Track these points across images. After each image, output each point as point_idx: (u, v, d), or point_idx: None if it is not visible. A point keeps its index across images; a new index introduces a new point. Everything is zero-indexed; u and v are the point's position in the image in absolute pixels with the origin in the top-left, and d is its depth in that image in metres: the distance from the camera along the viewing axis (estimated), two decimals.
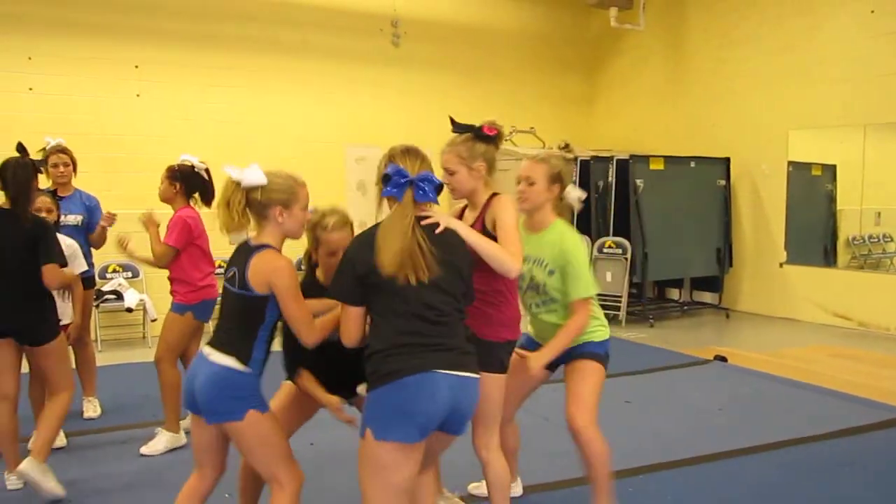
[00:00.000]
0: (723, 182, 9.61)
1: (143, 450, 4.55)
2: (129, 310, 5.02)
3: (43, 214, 4.34)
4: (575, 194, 3.39)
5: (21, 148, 4.09)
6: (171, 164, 4.68)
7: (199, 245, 4.57)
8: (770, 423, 5.19)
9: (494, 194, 3.01)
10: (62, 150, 5.19)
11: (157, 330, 6.08)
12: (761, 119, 9.36)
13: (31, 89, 7.95)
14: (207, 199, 4.64)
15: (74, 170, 5.25)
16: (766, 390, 6.05)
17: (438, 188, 2.66)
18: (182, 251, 4.51)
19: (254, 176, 2.70)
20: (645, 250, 8.92)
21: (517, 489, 3.83)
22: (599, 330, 3.40)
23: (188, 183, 4.62)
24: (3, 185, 3.93)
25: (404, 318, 2.53)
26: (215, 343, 2.78)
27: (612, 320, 8.97)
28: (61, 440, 4.60)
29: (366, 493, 2.54)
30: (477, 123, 3.02)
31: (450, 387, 2.50)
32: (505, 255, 2.81)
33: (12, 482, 4.02)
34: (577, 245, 3.26)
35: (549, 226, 3.32)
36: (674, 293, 10.30)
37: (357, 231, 2.84)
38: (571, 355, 3.36)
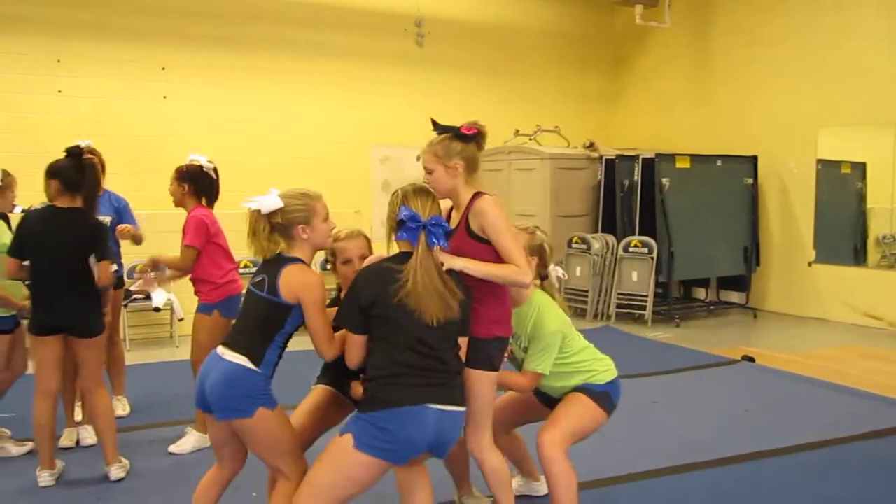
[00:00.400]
0: (750, 180, 9.51)
1: (172, 448, 4.59)
2: (157, 309, 5.05)
3: None
4: (556, 273, 3.49)
5: (76, 150, 4.19)
6: (180, 164, 4.70)
7: (217, 243, 4.59)
8: (798, 424, 5.14)
9: (477, 193, 3.02)
10: (91, 151, 5.22)
11: (184, 329, 6.16)
12: (789, 117, 9.26)
13: (60, 92, 8.07)
14: (211, 199, 4.68)
15: (103, 171, 5.29)
16: (795, 391, 5.99)
17: (448, 234, 2.83)
18: (201, 250, 4.54)
19: (270, 202, 2.87)
20: (671, 249, 8.86)
21: (542, 488, 3.81)
22: (599, 374, 3.37)
23: (197, 183, 4.63)
24: (73, 185, 4.07)
25: (400, 349, 2.71)
26: (230, 343, 2.89)
27: (638, 320, 8.94)
28: (92, 437, 4.66)
29: (313, 481, 2.72)
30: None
31: (436, 420, 2.69)
32: (515, 275, 2.91)
33: (45, 479, 4.08)
34: (551, 323, 3.26)
35: (526, 299, 3.33)
36: (700, 293, 10.21)
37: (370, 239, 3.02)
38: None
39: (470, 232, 2.96)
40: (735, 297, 9.89)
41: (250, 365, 2.80)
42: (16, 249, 4.04)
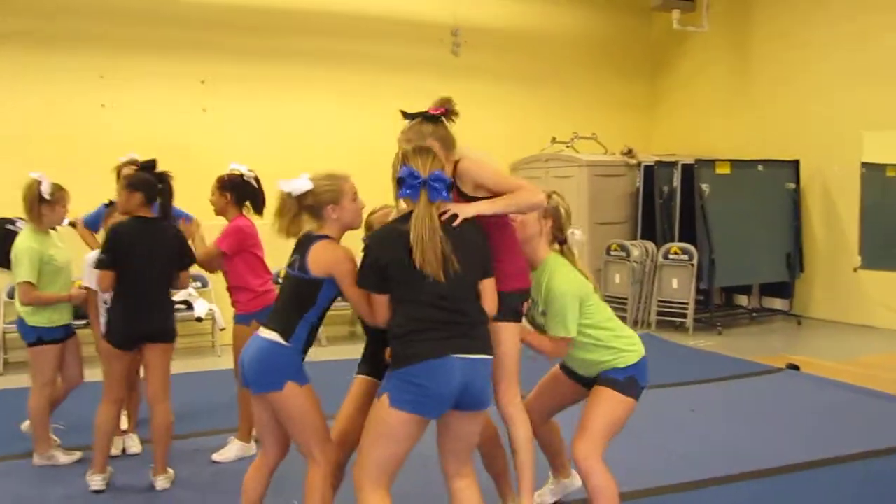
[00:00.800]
0: (792, 185, 9.35)
1: (215, 457, 4.64)
2: (199, 319, 5.16)
3: None
4: (575, 237, 3.50)
5: (152, 163, 4.37)
6: (221, 174, 4.76)
7: (254, 253, 4.65)
8: (845, 434, 5.03)
9: (457, 162, 3.09)
10: (134, 162, 5.35)
11: (225, 339, 6.23)
12: (832, 120, 9.10)
13: (103, 106, 8.23)
14: (258, 207, 4.74)
15: None
16: (841, 400, 5.87)
17: (449, 186, 2.87)
18: (238, 259, 4.59)
19: (300, 184, 3.03)
20: (711, 256, 8.74)
21: (575, 482, 3.77)
22: (621, 356, 3.31)
23: (238, 192, 4.69)
24: (154, 196, 4.26)
25: (421, 306, 2.78)
26: (267, 322, 3.10)
27: (679, 328, 8.83)
28: (137, 447, 4.74)
29: (365, 451, 2.82)
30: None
31: (462, 369, 2.74)
32: (527, 197, 3.02)
33: (97, 482, 4.16)
34: (561, 284, 3.27)
35: (539, 264, 3.36)
36: (742, 300, 10.06)
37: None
38: (594, 381, 3.35)
39: (467, 198, 3.02)
40: (778, 303, 9.72)
41: (281, 340, 2.98)
42: (109, 262, 4.11)
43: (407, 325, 2.79)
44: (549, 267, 3.33)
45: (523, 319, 3.33)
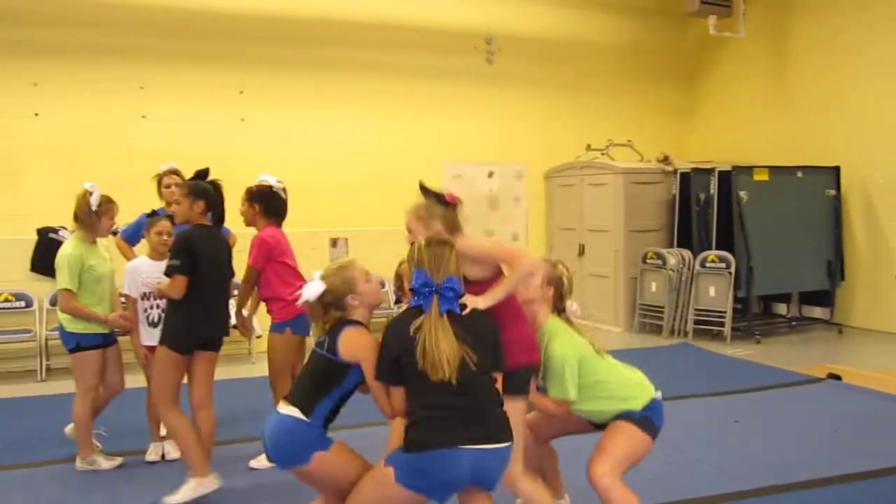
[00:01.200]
0: (832, 192, 9.21)
1: (253, 463, 4.68)
2: (235, 327, 5.18)
3: (164, 237, 4.62)
4: (571, 308, 3.54)
5: (205, 172, 4.44)
6: (250, 185, 4.81)
7: (284, 262, 4.68)
8: (889, 445, 4.93)
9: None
10: (174, 171, 5.46)
11: (260, 346, 6.27)
12: (873, 126, 8.94)
13: (144, 117, 8.38)
14: (280, 218, 4.79)
15: None
16: (885, 411, 5.75)
17: (460, 294, 2.95)
18: (268, 269, 4.63)
19: (314, 288, 3.11)
20: (750, 264, 8.63)
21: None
22: (630, 401, 3.34)
23: (267, 203, 4.74)
24: (215, 205, 4.37)
25: (433, 393, 2.82)
26: (288, 397, 3.11)
27: (716, 337, 8.72)
28: (176, 452, 4.79)
29: (358, 499, 2.90)
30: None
31: (472, 460, 2.78)
32: (522, 268, 3.12)
33: (211, 483, 4.18)
34: (559, 347, 3.32)
35: (540, 328, 3.41)
36: (781, 308, 9.91)
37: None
38: (606, 424, 3.39)
39: (467, 280, 3.09)
40: (818, 312, 9.55)
41: (300, 415, 2.99)
42: (190, 268, 4.15)
43: (419, 411, 2.85)
44: (549, 330, 3.40)
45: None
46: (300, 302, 3.15)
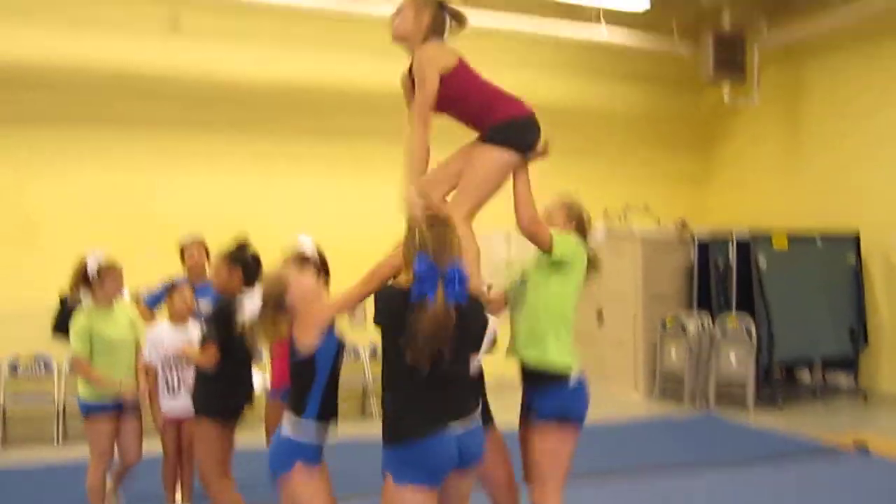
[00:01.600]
0: (852, 260, 9.16)
1: None
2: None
3: (187, 303, 4.68)
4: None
5: (245, 243, 4.48)
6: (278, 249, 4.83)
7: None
8: None
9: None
10: (197, 240, 5.52)
11: None
12: (891, 191, 8.93)
13: (160, 184, 8.49)
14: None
15: (208, 258, 5.52)
16: None
17: (466, 283, 2.80)
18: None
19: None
20: (770, 331, 8.54)
21: None
22: (571, 366, 3.36)
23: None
24: (252, 274, 4.35)
25: (410, 380, 2.71)
26: (287, 402, 3.14)
27: (739, 404, 8.55)
28: None
29: None
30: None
31: (458, 439, 2.75)
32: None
33: None
34: (572, 243, 3.66)
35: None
36: (804, 375, 9.76)
37: None
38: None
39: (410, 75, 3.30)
40: (842, 378, 9.40)
41: (293, 417, 3.01)
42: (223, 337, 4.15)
43: (398, 399, 2.78)
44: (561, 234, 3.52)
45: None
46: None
